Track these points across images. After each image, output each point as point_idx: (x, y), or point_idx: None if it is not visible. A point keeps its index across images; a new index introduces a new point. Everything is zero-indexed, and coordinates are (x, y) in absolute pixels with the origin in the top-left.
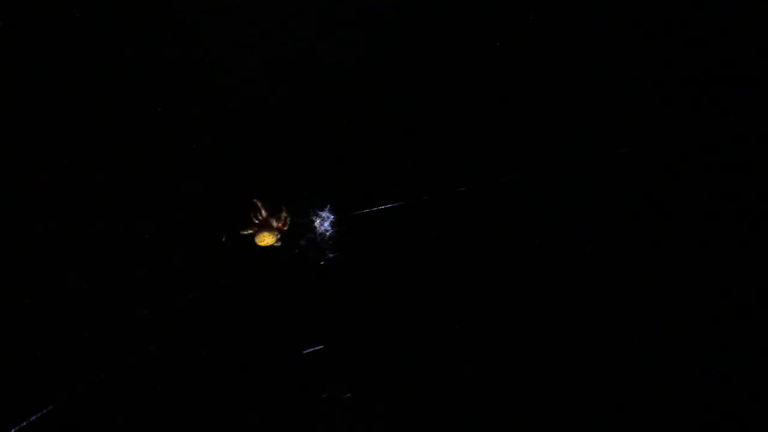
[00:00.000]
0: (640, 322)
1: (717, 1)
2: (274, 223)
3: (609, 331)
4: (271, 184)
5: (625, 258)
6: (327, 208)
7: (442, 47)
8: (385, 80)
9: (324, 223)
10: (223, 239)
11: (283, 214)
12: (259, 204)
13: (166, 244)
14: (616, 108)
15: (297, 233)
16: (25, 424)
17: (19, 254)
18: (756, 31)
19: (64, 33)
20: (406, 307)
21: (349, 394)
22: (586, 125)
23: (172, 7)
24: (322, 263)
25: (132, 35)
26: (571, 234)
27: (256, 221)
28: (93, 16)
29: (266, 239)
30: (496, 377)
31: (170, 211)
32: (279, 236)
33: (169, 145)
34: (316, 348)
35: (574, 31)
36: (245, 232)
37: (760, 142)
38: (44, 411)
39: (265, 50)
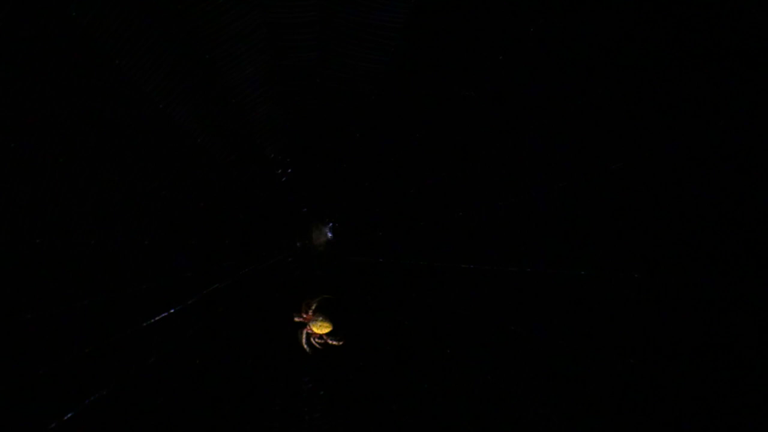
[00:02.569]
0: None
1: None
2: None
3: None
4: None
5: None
6: (329, 226)
7: (446, 64)
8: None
9: (320, 238)
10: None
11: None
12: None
13: (163, 252)
14: (612, 123)
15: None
16: None
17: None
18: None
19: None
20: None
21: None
22: (583, 141)
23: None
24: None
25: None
26: (567, 253)
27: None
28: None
29: (320, 324)
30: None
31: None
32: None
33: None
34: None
35: (568, 43)
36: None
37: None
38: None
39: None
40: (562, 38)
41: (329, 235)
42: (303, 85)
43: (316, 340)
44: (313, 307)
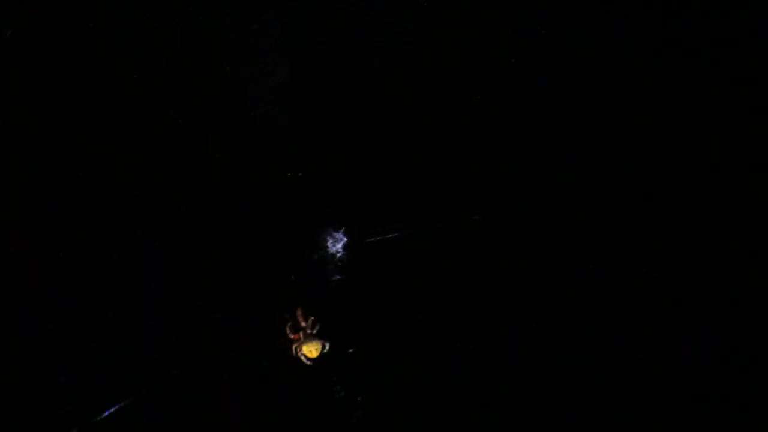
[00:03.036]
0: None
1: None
2: (310, 330)
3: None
4: (288, 201)
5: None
6: (341, 231)
7: (458, 69)
8: (402, 101)
9: (336, 244)
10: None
11: (310, 319)
12: (297, 318)
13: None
14: (625, 127)
15: (311, 251)
16: None
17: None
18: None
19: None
20: (409, 327)
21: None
22: (596, 145)
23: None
24: (329, 282)
25: (143, 50)
26: (579, 255)
27: (294, 334)
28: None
29: (313, 349)
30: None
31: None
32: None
33: (181, 155)
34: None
35: (582, 46)
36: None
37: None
38: None
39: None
40: (575, 38)
41: (344, 239)
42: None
43: (297, 351)
44: (313, 325)
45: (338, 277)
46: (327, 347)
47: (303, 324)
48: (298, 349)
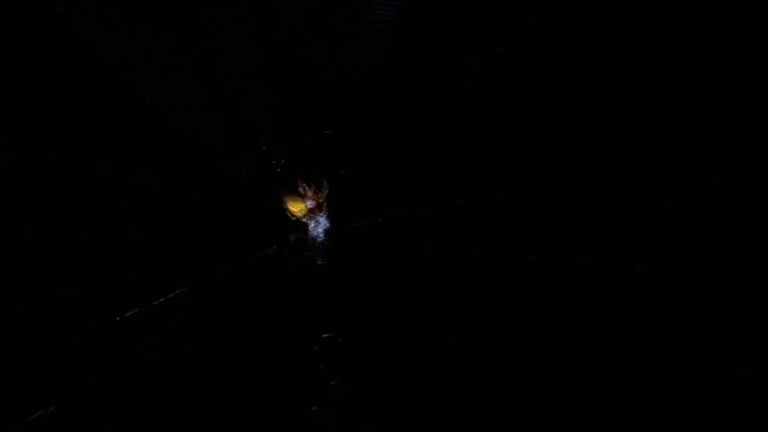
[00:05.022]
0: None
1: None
2: (310, 200)
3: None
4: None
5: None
6: (324, 215)
7: (441, 56)
8: (385, 89)
9: (318, 227)
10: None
11: (324, 192)
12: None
13: (157, 241)
14: (614, 115)
15: (289, 230)
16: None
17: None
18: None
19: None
20: (392, 313)
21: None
22: (584, 133)
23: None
24: (309, 265)
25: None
26: (566, 246)
27: (300, 190)
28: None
29: (296, 207)
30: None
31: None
32: (309, 214)
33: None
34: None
35: (572, 36)
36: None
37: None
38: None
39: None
40: (562, 30)
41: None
42: (293, 80)
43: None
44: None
45: (319, 262)
46: (307, 206)
47: (301, 190)
48: (285, 202)
